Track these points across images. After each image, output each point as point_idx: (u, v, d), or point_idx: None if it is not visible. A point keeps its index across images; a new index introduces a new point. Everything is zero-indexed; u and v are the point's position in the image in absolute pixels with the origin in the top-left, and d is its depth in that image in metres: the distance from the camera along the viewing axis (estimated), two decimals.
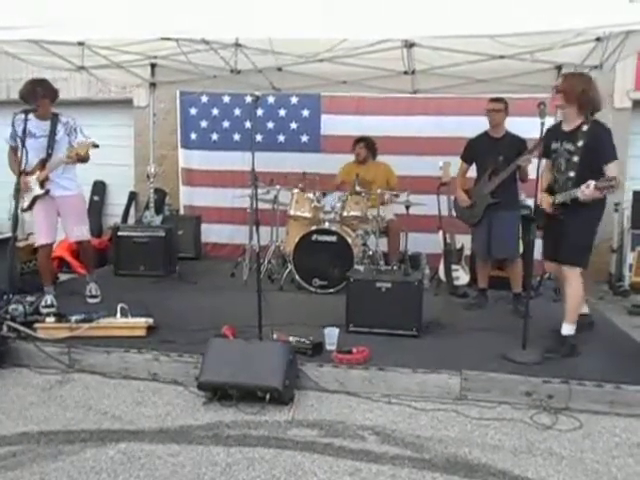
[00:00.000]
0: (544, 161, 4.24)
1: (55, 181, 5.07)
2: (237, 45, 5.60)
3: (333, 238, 5.89)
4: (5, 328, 4.28)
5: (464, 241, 6.01)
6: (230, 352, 3.72)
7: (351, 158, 6.81)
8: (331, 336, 4.15)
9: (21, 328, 4.30)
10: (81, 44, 5.46)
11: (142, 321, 4.45)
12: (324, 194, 6.29)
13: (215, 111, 8.12)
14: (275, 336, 4.17)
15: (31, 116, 4.79)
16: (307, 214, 6.13)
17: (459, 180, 5.52)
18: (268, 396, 3.50)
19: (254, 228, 4.39)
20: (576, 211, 4.00)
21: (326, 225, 5.98)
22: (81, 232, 5.32)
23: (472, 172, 5.53)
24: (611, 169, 3.93)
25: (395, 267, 5.19)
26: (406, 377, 3.81)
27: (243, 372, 3.57)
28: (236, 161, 7.76)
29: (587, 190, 3.82)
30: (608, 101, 6.67)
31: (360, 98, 7.51)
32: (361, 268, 5.09)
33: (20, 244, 5.81)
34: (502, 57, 5.30)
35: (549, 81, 6.05)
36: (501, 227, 5.18)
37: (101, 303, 5.27)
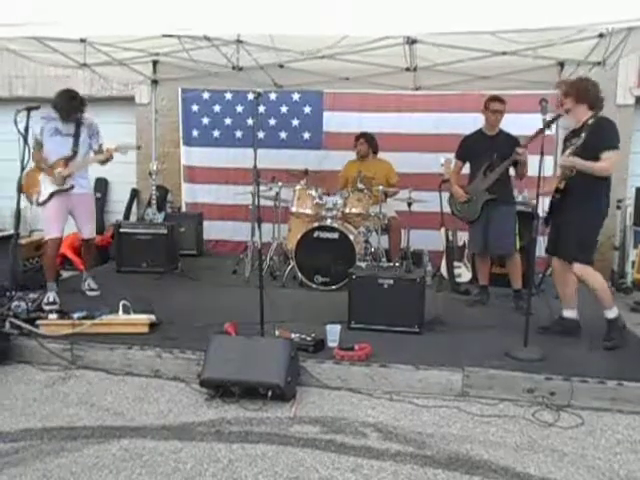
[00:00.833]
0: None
1: (75, 178, 5.21)
2: (239, 42, 5.60)
3: (335, 235, 5.89)
4: (8, 325, 4.29)
5: (466, 238, 6.01)
6: (232, 349, 3.72)
7: (353, 155, 6.81)
8: (333, 333, 4.15)
9: (24, 325, 4.31)
10: (83, 41, 5.47)
11: (144, 318, 4.46)
12: (327, 194, 6.30)
13: (217, 108, 8.12)
14: (277, 333, 4.18)
15: (55, 114, 5.11)
16: (309, 211, 6.13)
17: (453, 177, 5.51)
18: (270, 393, 3.51)
19: (256, 225, 4.40)
20: (574, 207, 4.08)
21: (328, 222, 5.98)
22: (91, 230, 5.55)
23: (465, 169, 5.52)
24: (607, 156, 4.01)
25: (397, 264, 5.19)
26: (408, 374, 3.81)
27: (245, 369, 3.58)
28: (238, 158, 7.75)
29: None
30: (611, 98, 6.65)
31: (362, 95, 7.49)
32: (363, 265, 5.09)
33: (22, 241, 5.84)
34: (504, 53, 5.29)
35: (551, 78, 6.04)
36: (498, 223, 5.18)
37: (101, 297, 5.33)
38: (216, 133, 8.14)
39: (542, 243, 5.02)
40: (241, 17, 3.68)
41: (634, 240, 6.73)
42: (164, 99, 8.08)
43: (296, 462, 2.94)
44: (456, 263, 6.04)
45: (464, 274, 6.05)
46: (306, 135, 7.92)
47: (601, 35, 4.69)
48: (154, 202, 7.34)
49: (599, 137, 4.04)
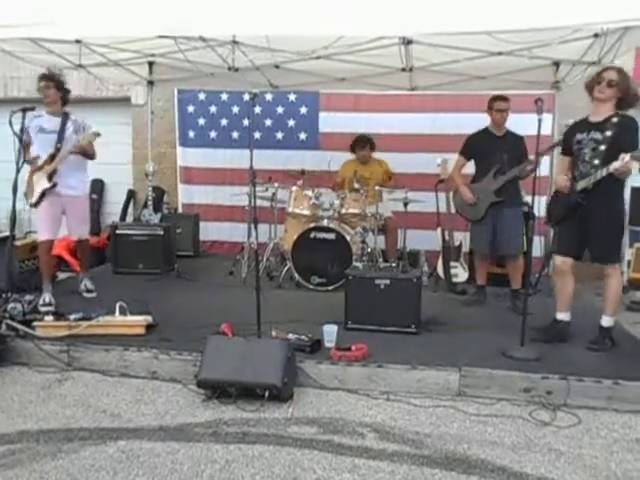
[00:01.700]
0: (559, 159, 4.25)
1: (63, 178, 5.16)
2: (234, 42, 5.59)
3: (332, 235, 5.89)
4: (4, 327, 4.28)
5: (462, 238, 6.02)
6: (229, 350, 3.72)
7: (349, 155, 6.80)
8: (330, 333, 4.15)
9: (20, 327, 4.30)
10: (78, 42, 5.46)
11: (141, 319, 4.45)
12: (321, 194, 6.29)
13: (213, 109, 8.11)
14: (274, 333, 4.18)
15: (43, 112, 5.07)
16: (306, 211, 6.13)
17: (457, 176, 5.46)
18: (267, 393, 3.51)
19: (252, 226, 4.40)
20: (605, 208, 4.04)
21: (325, 222, 5.98)
22: (82, 231, 5.53)
23: (467, 168, 5.52)
24: None
25: (394, 264, 5.19)
26: (405, 374, 3.81)
27: (242, 370, 3.58)
28: (234, 159, 7.75)
29: (622, 162, 3.80)
30: None
31: (358, 95, 7.49)
32: (360, 265, 5.09)
33: (18, 243, 5.81)
34: (500, 54, 5.29)
35: (547, 77, 6.07)
36: (507, 225, 5.18)
37: (98, 298, 5.32)
38: (212, 134, 8.14)
39: (539, 243, 5.02)
40: (236, 18, 3.68)
41: (630, 239, 6.73)
42: (160, 100, 8.07)
43: (293, 463, 2.94)
44: (452, 263, 6.04)
45: (461, 274, 6.05)
46: (302, 135, 7.91)
47: (596, 35, 4.69)
48: (150, 203, 7.33)
49: (627, 141, 3.93)
